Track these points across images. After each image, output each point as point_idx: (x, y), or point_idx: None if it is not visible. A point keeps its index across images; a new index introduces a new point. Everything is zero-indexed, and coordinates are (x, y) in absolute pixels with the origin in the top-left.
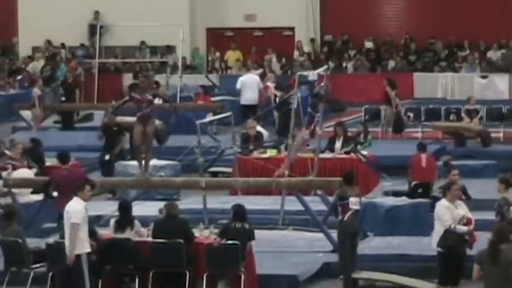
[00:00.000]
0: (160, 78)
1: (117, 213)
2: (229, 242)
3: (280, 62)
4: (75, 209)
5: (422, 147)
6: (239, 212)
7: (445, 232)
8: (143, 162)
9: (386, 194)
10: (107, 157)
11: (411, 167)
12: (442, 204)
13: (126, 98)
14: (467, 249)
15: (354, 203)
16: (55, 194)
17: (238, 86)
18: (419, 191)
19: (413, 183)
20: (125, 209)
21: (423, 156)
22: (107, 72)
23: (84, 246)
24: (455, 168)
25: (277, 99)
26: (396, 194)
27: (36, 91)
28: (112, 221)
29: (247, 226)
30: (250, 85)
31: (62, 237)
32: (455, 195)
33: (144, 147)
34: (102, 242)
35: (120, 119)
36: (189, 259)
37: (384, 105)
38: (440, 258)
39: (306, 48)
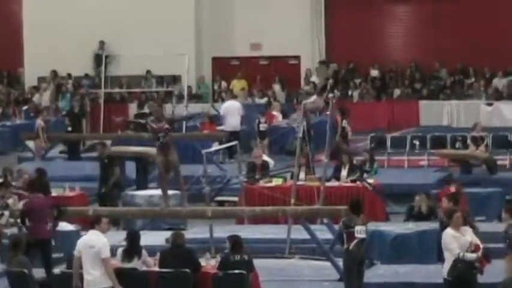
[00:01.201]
0: (166, 108)
1: (123, 243)
2: (236, 271)
3: (284, 91)
4: (103, 242)
5: (448, 181)
6: (237, 243)
7: (454, 261)
8: (169, 192)
9: None
10: (103, 190)
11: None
12: (448, 234)
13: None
14: (478, 276)
15: (359, 231)
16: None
17: (221, 112)
18: None
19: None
20: (133, 238)
21: (452, 190)
22: (113, 102)
23: (108, 280)
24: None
25: (260, 126)
26: None
27: (39, 122)
28: (119, 251)
29: (246, 257)
30: (232, 112)
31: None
32: (459, 223)
33: (170, 177)
34: None
35: (124, 148)
36: None
37: None
38: (451, 287)
39: (314, 77)
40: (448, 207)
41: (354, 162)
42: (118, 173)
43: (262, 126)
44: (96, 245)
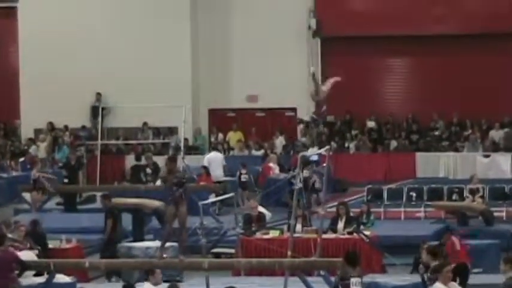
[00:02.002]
0: (162, 159)
1: None
2: None
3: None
4: None
5: (450, 230)
6: None
7: None
8: (178, 243)
9: None
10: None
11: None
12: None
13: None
14: None
15: (355, 283)
16: None
17: (205, 163)
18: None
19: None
20: None
21: (455, 239)
22: (110, 154)
23: None
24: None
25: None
26: None
27: (35, 173)
28: None
29: None
30: (216, 163)
31: None
32: (448, 277)
33: (177, 229)
34: None
35: (121, 200)
36: None
37: None
38: None
39: (314, 130)
40: (426, 261)
41: (351, 214)
42: (109, 225)
43: (244, 177)
44: None
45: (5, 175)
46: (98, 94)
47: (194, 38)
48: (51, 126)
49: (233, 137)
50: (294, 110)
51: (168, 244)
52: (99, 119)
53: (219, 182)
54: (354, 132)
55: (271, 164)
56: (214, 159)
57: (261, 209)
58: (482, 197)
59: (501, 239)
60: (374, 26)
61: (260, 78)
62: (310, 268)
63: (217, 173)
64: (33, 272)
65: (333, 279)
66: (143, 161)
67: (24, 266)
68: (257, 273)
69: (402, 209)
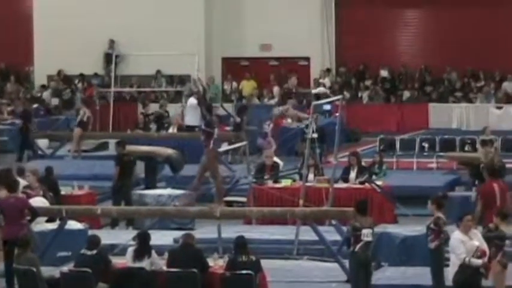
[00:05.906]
0: (175, 107)
1: (131, 242)
2: (244, 272)
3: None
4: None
5: (494, 173)
6: (242, 244)
7: (460, 266)
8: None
9: None
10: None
11: (483, 199)
12: (456, 237)
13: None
14: (482, 280)
15: (366, 234)
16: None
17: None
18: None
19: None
20: (143, 238)
21: (496, 187)
22: (122, 101)
23: None
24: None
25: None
26: None
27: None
28: (130, 250)
29: (254, 258)
30: (190, 108)
31: None
32: (468, 226)
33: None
34: (117, 271)
35: (134, 148)
36: None
37: None
38: None
39: (327, 80)
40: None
41: (363, 164)
42: (115, 173)
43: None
44: None
45: (18, 121)
46: (112, 41)
47: None
48: (62, 74)
49: (246, 85)
50: (307, 59)
51: (179, 192)
52: (113, 66)
53: (190, 127)
54: (367, 83)
55: (287, 105)
56: (189, 105)
57: (276, 158)
58: (495, 148)
59: None
60: None
61: (274, 27)
62: (322, 217)
63: (189, 118)
64: (45, 218)
65: (344, 228)
66: (151, 110)
67: (36, 212)
68: (269, 222)
69: (414, 160)
